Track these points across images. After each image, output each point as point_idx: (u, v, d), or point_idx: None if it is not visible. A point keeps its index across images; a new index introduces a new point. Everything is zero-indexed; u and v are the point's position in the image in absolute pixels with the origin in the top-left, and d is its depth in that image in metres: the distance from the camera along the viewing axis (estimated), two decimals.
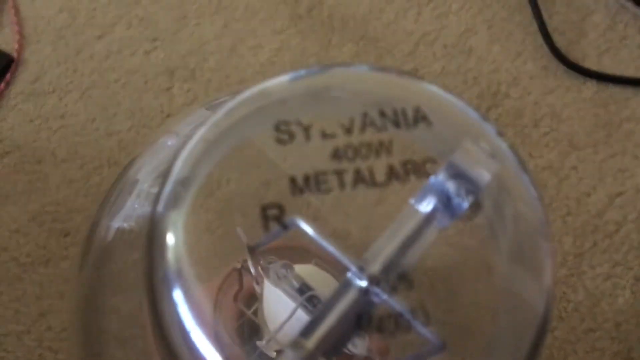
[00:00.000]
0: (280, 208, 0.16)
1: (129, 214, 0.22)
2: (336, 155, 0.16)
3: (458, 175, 0.16)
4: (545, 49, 0.39)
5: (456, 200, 0.15)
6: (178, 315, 0.15)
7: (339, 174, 0.16)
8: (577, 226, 0.36)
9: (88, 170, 0.36)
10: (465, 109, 0.17)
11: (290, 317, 0.17)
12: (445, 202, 0.15)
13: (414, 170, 0.16)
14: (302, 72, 0.18)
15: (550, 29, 0.40)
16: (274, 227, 0.15)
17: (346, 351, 0.17)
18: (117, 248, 0.22)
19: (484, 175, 0.16)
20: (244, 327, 0.19)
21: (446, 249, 0.16)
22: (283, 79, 0.18)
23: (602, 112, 0.38)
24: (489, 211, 0.16)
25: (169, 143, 0.20)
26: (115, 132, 0.37)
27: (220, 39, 0.40)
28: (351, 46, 0.40)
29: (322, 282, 0.17)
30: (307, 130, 0.16)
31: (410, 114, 0.17)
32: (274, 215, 0.16)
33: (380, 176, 0.16)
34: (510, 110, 0.38)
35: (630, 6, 0.40)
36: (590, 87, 0.39)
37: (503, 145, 0.17)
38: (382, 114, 0.17)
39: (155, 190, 0.17)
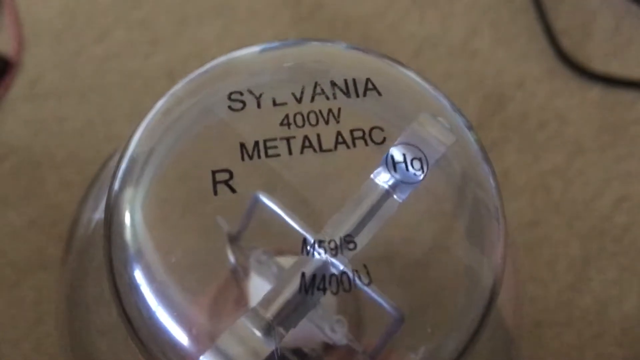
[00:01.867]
0: (230, 173, 0.16)
1: None
2: (285, 122, 0.17)
3: (414, 146, 0.16)
4: (551, 51, 0.39)
5: (411, 171, 0.16)
6: (141, 297, 0.16)
7: (287, 140, 0.17)
8: (583, 230, 0.35)
9: (86, 174, 0.35)
10: (433, 93, 0.18)
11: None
12: (402, 174, 0.16)
13: (361, 137, 0.17)
14: (275, 43, 0.18)
15: (555, 31, 0.39)
16: (223, 191, 0.16)
17: (326, 339, 0.18)
18: (98, 238, 0.22)
19: (439, 146, 0.17)
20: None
21: (408, 227, 0.17)
22: (252, 50, 0.18)
23: (609, 115, 0.38)
24: (452, 195, 0.17)
25: None
26: (115, 136, 0.36)
27: (221, 42, 0.39)
28: None
29: None
30: (258, 98, 0.17)
31: (360, 85, 0.17)
32: (223, 180, 0.16)
33: (327, 143, 0.17)
34: (515, 113, 0.38)
35: (637, 9, 0.40)
36: (597, 90, 0.38)
37: (470, 137, 0.18)
38: (333, 84, 0.17)
39: None
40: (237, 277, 0.19)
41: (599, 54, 0.39)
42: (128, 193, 0.17)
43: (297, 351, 0.19)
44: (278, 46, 0.19)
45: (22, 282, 0.33)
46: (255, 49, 0.18)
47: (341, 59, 0.18)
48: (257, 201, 0.17)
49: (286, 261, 0.18)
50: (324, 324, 0.18)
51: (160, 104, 0.18)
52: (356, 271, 0.16)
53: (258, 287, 0.18)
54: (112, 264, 0.16)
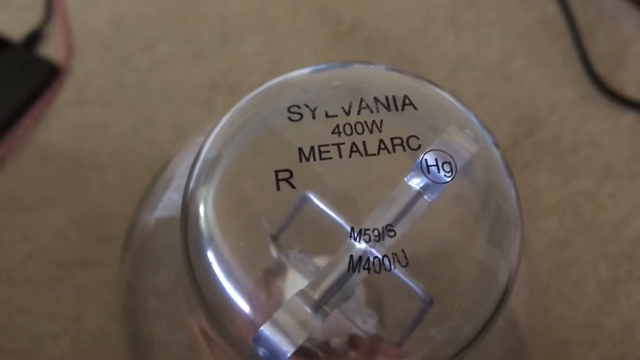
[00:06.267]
0: (290, 172, 0.19)
1: (167, 205, 0.24)
2: (336, 131, 0.20)
3: (444, 152, 0.19)
4: (585, 76, 0.40)
5: (442, 173, 0.19)
6: (212, 274, 0.18)
7: (338, 145, 0.19)
8: (612, 254, 0.35)
9: (129, 178, 0.37)
10: (464, 111, 0.21)
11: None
12: (434, 175, 0.19)
13: (400, 144, 0.20)
14: (323, 65, 0.21)
15: (590, 57, 0.40)
16: (284, 187, 0.19)
17: (357, 330, 0.20)
18: (156, 235, 0.24)
19: (465, 153, 0.19)
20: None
21: (439, 228, 0.20)
22: (303, 71, 0.21)
23: None
24: (477, 203, 0.20)
25: None
26: (157, 142, 0.38)
27: (262, 56, 0.40)
28: None
29: None
30: (313, 111, 0.20)
31: (399, 100, 0.20)
32: (284, 177, 0.19)
33: (371, 148, 0.19)
34: (548, 136, 0.38)
35: None
36: (629, 117, 0.39)
37: (496, 153, 0.20)
38: (376, 99, 0.20)
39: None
40: (277, 272, 0.20)
41: (633, 80, 0.40)
42: (202, 190, 0.19)
43: (323, 347, 0.20)
44: (325, 68, 0.21)
45: (63, 280, 0.34)
46: (305, 70, 0.21)
47: (382, 78, 0.21)
48: (304, 200, 0.19)
49: (321, 261, 0.20)
50: (355, 316, 0.20)
51: (226, 117, 0.20)
52: (395, 255, 0.18)
53: (295, 282, 0.20)
54: (188, 247, 0.19)
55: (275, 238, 0.20)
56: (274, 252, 0.20)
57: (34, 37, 0.40)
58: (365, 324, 0.20)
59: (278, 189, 0.19)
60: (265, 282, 0.19)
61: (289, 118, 0.20)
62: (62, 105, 0.39)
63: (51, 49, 0.40)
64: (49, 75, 0.39)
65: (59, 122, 0.38)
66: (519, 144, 0.38)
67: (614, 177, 0.37)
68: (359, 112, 0.20)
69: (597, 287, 0.35)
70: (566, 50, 0.41)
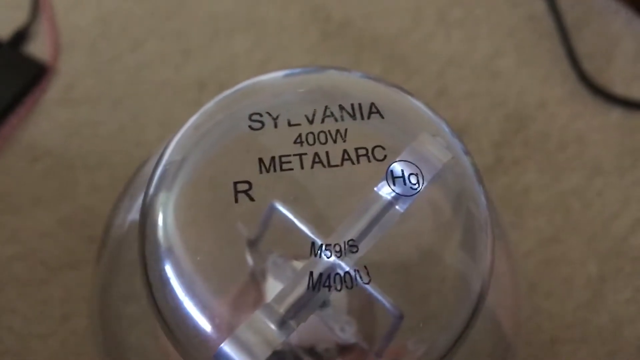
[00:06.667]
0: (249, 184, 0.18)
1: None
2: (299, 140, 0.19)
3: (411, 163, 0.18)
4: (573, 74, 0.40)
5: (408, 185, 0.18)
6: (170, 289, 0.18)
7: (300, 156, 0.19)
8: (601, 250, 0.36)
9: (117, 178, 0.36)
10: (435, 119, 0.20)
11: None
12: (400, 187, 0.18)
13: (365, 154, 0.19)
14: (298, 70, 0.21)
15: (578, 54, 0.40)
16: (243, 199, 0.18)
17: (336, 338, 0.20)
18: (131, 237, 0.24)
19: (436, 162, 0.19)
20: None
21: (411, 237, 0.19)
22: (276, 74, 0.21)
23: (629, 139, 0.38)
24: (449, 212, 0.19)
25: None
26: (145, 141, 0.38)
27: (251, 55, 0.40)
28: (380, 66, 0.40)
29: None
30: (275, 119, 0.19)
31: (365, 108, 0.19)
32: (243, 190, 0.18)
33: (335, 159, 0.19)
34: (536, 133, 0.38)
35: None
36: (617, 113, 0.39)
37: (466, 161, 0.20)
38: (341, 107, 0.19)
39: None
40: (255, 278, 0.20)
41: (620, 77, 0.40)
42: (161, 197, 0.18)
43: (312, 352, 0.20)
44: (300, 72, 0.21)
45: (51, 280, 0.34)
46: (279, 73, 0.20)
47: (351, 85, 0.21)
48: (272, 209, 0.18)
49: (300, 265, 0.20)
50: (334, 324, 0.20)
51: (193, 119, 0.20)
52: (357, 271, 0.17)
53: (273, 288, 0.20)
54: (145, 259, 0.18)
55: (252, 243, 0.19)
56: (242, 262, 0.19)
57: (21, 36, 0.40)
58: (343, 333, 0.20)
59: (236, 201, 0.18)
60: (240, 293, 0.19)
61: (250, 127, 0.19)
62: (50, 105, 0.38)
63: (38, 48, 0.40)
64: (36, 74, 0.39)
65: (46, 121, 0.38)
66: (509, 141, 0.38)
67: (602, 174, 0.37)
68: (322, 121, 0.19)
69: (586, 284, 0.35)
70: (554, 47, 0.41)
